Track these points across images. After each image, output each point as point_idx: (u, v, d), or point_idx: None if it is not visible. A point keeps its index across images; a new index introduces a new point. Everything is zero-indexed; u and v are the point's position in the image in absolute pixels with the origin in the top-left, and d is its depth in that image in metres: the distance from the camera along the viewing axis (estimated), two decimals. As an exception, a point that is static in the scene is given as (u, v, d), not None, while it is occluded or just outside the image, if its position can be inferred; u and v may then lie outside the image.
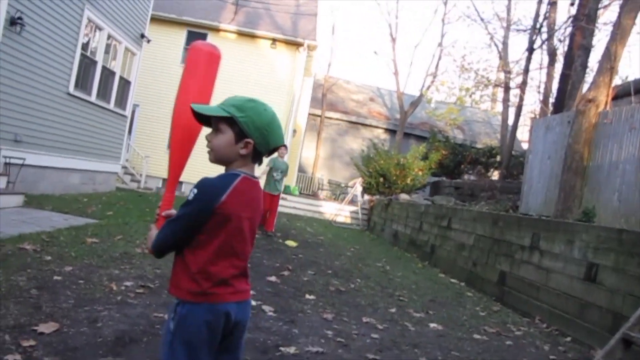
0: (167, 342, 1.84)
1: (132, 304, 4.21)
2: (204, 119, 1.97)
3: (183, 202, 1.84)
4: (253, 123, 1.88)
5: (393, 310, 5.68)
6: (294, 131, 23.24)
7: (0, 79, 8.49)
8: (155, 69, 19.47)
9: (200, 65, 2.41)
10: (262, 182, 9.92)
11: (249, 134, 1.88)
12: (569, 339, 5.41)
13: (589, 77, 11.78)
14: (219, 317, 1.83)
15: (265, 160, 7.89)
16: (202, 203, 1.81)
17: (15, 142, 9.18)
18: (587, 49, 10.96)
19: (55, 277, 4.52)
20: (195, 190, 1.81)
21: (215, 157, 1.94)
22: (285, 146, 10.47)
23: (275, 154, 8.81)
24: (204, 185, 1.83)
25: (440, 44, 28.76)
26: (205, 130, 2.03)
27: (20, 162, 9.08)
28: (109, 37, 12.48)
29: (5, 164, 8.85)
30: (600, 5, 12.42)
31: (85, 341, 3.27)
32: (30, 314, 3.53)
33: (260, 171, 9.70)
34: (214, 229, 1.82)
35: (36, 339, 3.13)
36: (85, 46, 11.34)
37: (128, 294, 4.46)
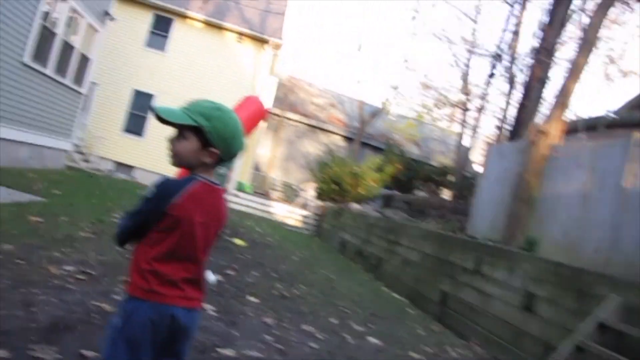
0: (109, 338, 1.84)
1: (70, 289, 4.10)
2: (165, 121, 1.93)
3: (142, 197, 1.84)
4: (218, 133, 1.86)
5: (334, 320, 5.70)
6: (252, 128, 23.12)
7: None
8: (118, 50, 19.06)
9: (252, 109, 2.48)
10: None
11: (215, 143, 1.86)
12: (496, 363, 5.56)
13: (545, 108, 12.18)
14: (164, 318, 1.82)
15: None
16: (155, 202, 1.82)
17: (-38, 108, 8.81)
18: (543, 82, 11.35)
19: (-7, 255, 4.36)
20: (152, 188, 1.83)
21: (178, 162, 1.92)
22: None
23: None
24: (160, 184, 1.84)
25: (405, 60, 29.17)
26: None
27: (-34, 129, 8.72)
28: (72, 10, 12.12)
29: (-51, 130, 8.48)
30: (558, 40, 12.87)
31: (19, 325, 3.16)
32: (-38, 292, 3.40)
33: None
34: (165, 230, 1.82)
35: (-35, 320, 3.01)
36: (45, 16, 10.97)
37: (67, 279, 4.34)
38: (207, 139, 1.85)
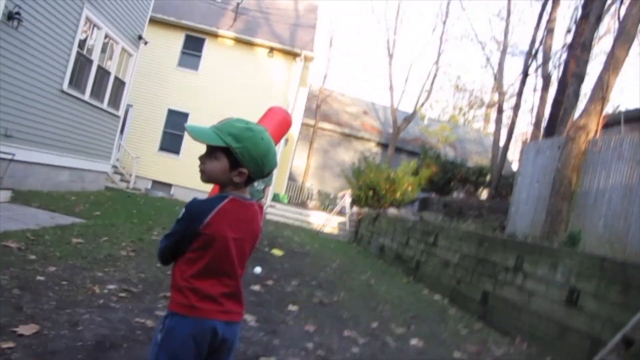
0: (153, 354, 1.88)
1: (114, 308, 4.20)
2: None
3: (176, 218, 1.88)
4: (249, 154, 1.87)
5: (375, 324, 5.70)
6: (286, 140, 23.26)
7: (-6, 74, 8.46)
8: (152, 71, 19.44)
9: (276, 120, 2.58)
10: None
11: (245, 164, 1.88)
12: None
13: (582, 104, 11.91)
14: (205, 332, 1.86)
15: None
16: (187, 223, 1.86)
17: (5, 137, 9.12)
18: (580, 77, 11.08)
19: (39, 277, 4.50)
20: (184, 210, 1.87)
21: (208, 180, 1.95)
22: None
23: None
24: (191, 205, 1.88)
25: (436, 62, 28.99)
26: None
27: (10, 157, 9.03)
28: (106, 36, 12.47)
29: (-6, 158, 8.81)
30: (595, 35, 12.59)
31: (65, 345, 3.26)
32: (11, 315, 3.51)
33: None
34: (201, 248, 1.86)
35: (15, 341, 3.11)
36: (82, 44, 11.32)
37: (110, 297, 4.45)
38: (237, 160, 1.87)
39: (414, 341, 5.30)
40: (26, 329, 3.31)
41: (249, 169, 1.89)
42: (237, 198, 1.91)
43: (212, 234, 1.84)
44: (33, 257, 5.13)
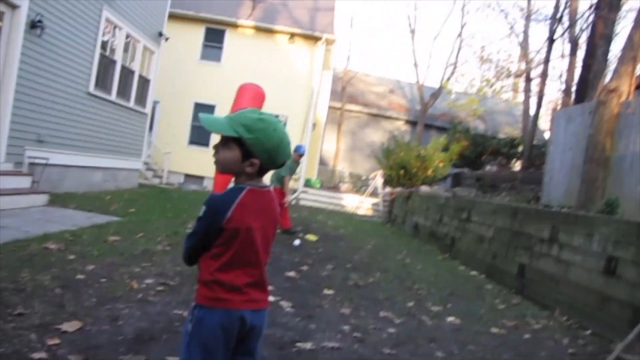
0: (185, 344, 1.93)
1: (152, 301, 4.31)
2: None
3: (197, 217, 1.91)
4: (261, 145, 1.88)
5: (411, 304, 5.70)
6: (314, 125, 23.26)
7: (22, 82, 8.66)
8: (175, 66, 19.59)
9: (249, 95, 2.54)
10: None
11: (256, 155, 1.89)
12: (588, 332, 5.38)
13: (612, 67, 11.61)
14: (234, 321, 1.89)
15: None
16: (209, 220, 1.88)
17: (38, 142, 9.36)
18: (609, 38, 10.80)
19: (78, 276, 4.63)
20: (204, 208, 1.88)
21: (222, 169, 1.98)
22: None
23: None
24: (210, 202, 1.90)
25: (459, 35, 28.55)
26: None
27: (44, 161, 9.27)
28: (128, 36, 12.63)
29: (30, 164, 9.04)
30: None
31: (107, 339, 3.36)
32: (55, 313, 3.63)
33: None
34: (226, 242, 1.88)
35: (60, 337, 3.23)
36: (104, 46, 11.49)
37: (148, 291, 4.56)
38: (249, 150, 1.89)
39: (450, 318, 5.29)
40: (69, 326, 3.42)
41: (261, 160, 1.90)
42: (253, 188, 1.93)
43: (236, 227, 1.86)
44: (72, 256, 5.29)
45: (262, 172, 1.96)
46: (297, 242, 9.07)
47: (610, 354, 4.24)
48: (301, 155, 10.27)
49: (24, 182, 8.62)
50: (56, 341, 3.16)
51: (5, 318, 3.39)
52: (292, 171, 10.04)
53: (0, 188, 7.79)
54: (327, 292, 5.72)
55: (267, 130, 1.89)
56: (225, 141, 1.92)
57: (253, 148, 1.88)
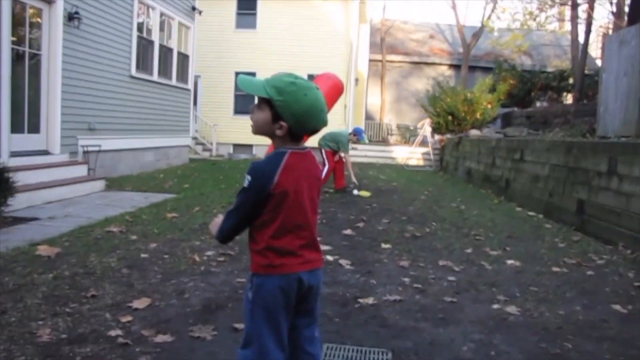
0: (247, 311, 1.98)
1: (215, 272, 4.45)
2: None
3: (239, 190, 1.92)
4: (289, 108, 1.87)
5: (469, 250, 5.68)
6: (357, 80, 23.02)
7: (67, 74, 8.90)
8: (212, 38, 19.65)
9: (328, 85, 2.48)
10: None
11: (284, 117, 1.88)
12: (655, 263, 5.26)
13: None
14: (292, 283, 1.93)
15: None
16: (257, 189, 1.88)
17: (89, 131, 9.66)
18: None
19: (142, 255, 4.83)
20: (249, 177, 1.88)
21: (255, 131, 2.01)
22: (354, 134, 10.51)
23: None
24: (255, 170, 1.89)
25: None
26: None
27: (97, 148, 9.57)
28: (162, 15, 12.72)
29: (84, 152, 9.36)
30: None
31: (176, 312, 3.51)
32: (124, 292, 3.81)
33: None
34: (274, 208, 1.89)
35: (132, 315, 3.39)
36: (140, 28, 11.63)
37: (210, 263, 4.71)
38: (278, 113, 1.89)
39: (510, 261, 5.25)
40: (140, 303, 3.59)
41: (289, 123, 1.89)
42: (295, 151, 1.94)
43: (284, 190, 1.87)
44: (134, 237, 5.50)
45: (295, 137, 1.95)
46: (355, 192, 9.97)
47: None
48: (357, 137, 10.55)
49: (81, 171, 8.94)
50: (129, 318, 3.32)
51: (80, 301, 3.58)
52: (346, 148, 10.07)
53: (60, 179, 8.13)
54: (384, 246, 5.76)
55: (297, 94, 1.87)
56: (259, 103, 1.95)
57: (281, 110, 1.88)
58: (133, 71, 11.25)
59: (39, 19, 8.43)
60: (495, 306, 3.89)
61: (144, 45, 11.88)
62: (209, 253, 5.02)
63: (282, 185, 1.87)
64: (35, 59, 8.43)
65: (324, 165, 9.53)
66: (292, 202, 1.90)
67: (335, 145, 9.84)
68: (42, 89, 8.55)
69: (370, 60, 27.78)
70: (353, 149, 19.92)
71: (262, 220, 1.93)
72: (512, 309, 3.83)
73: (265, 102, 1.91)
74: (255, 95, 1.94)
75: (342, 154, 10.03)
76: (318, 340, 2.15)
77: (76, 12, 8.91)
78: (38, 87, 8.49)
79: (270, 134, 1.96)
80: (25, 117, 8.21)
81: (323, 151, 9.61)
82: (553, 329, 3.49)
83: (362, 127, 23.76)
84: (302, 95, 1.88)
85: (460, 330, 3.42)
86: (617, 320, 3.72)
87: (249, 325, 1.99)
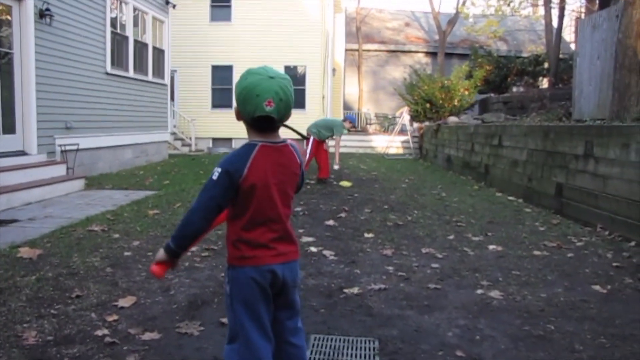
0: (228, 305, 2.02)
1: (199, 267, 4.45)
2: None
3: (206, 182, 1.92)
4: (235, 91, 1.95)
5: (451, 237, 5.75)
6: (334, 70, 23.02)
7: (41, 72, 8.77)
8: (187, 32, 19.48)
9: None
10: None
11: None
12: (633, 243, 5.36)
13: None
14: (264, 274, 1.95)
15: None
16: (225, 182, 1.89)
17: (66, 130, 9.54)
18: None
19: (126, 253, 4.80)
20: (219, 169, 1.90)
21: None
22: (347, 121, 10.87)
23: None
24: (224, 164, 1.91)
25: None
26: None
27: (75, 147, 9.45)
28: (135, 9, 12.57)
29: (62, 151, 9.25)
30: None
31: (162, 309, 3.50)
32: (109, 291, 3.79)
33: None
34: (244, 201, 1.92)
35: (118, 313, 3.38)
36: (114, 23, 11.48)
37: (194, 259, 4.70)
38: None
39: (492, 247, 5.32)
40: (125, 301, 3.58)
41: (237, 107, 1.96)
42: (266, 144, 1.95)
43: (253, 184, 1.89)
44: (117, 235, 5.47)
45: (255, 127, 1.96)
46: (336, 166, 10.71)
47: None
48: (352, 123, 11.15)
49: (59, 170, 8.83)
50: (115, 317, 3.31)
51: (65, 301, 3.56)
52: (341, 132, 10.37)
53: (39, 179, 8.02)
54: (367, 235, 5.80)
55: (241, 78, 1.94)
56: None
57: (234, 94, 1.97)
58: (108, 68, 11.12)
59: (8, 17, 8.28)
60: (479, 291, 3.95)
61: (119, 41, 11.74)
62: (193, 249, 4.99)
63: (250, 178, 1.88)
64: (7, 57, 8.29)
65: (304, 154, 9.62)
66: (262, 196, 1.92)
67: (328, 132, 10.13)
68: (16, 88, 8.41)
69: (347, 50, 27.79)
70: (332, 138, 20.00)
71: (234, 214, 1.96)
72: (495, 293, 3.89)
73: None
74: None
75: (335, 137, 10.42)
76: (301, 330, 2.19)
77: (47, 9, 8.77)
78: (12, 87, 8.35)
79: (244, 123, 2.01)
80: (0, 117, 8.08)
81: (311, 139, 9.82)
82: (535, 311, 3.56)
83: (341, 117, 23.82)
84: (243, 78, 1.94)
85: (445, 316, 3.46)
86: (597, 300, 3.80)
87: (231, 320, 2.02)
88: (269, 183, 1.93)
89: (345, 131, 10.35)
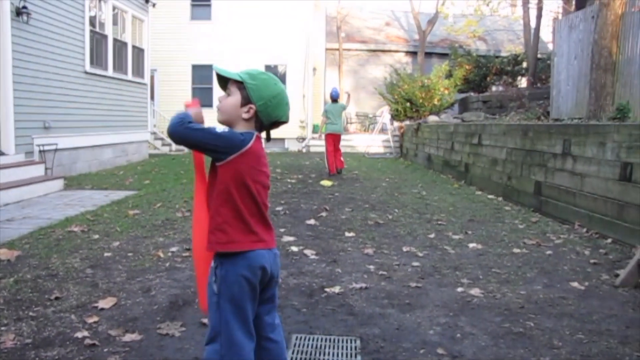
0: (213, 304, 2.01)
1: (180, 268, 4.42)
2: (222, 84, 2.09)
3: (217, 132, 1.93)
4: (259, 91, 2.00)
5: (432, 235, 5.79)
6: (314, 69, 22.99)
7: (19, 71, 8.65)
8: (167, 31, 19.36)
9: None
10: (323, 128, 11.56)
11: (253, 100, 1.99)
12: (609, 240, 5.46)
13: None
14: (255, 271, 1.97)
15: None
16: (234, 141, 1.94)
17: (45, 129, 9.42)
18: None
19: (106, 254, 4.76)
20: (227, 131, 2.00)
21: (221, 117, 2.08)
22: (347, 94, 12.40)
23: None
24: (233, 133, 1.99)
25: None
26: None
27: (53, 147, 9.34)
28: (114, 8, 12.45)
29: (40, 151, 9.13)
30: None
31: (143, 310, 3.48)
32: (89, 293, 3.76)
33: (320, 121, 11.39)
34: (238, 182, 1.95)
35: (98, 315, 3.35)
36: (92, 22, 11.36)
37: (175, 259, 4.67)
38: (248, 96, 2.00)
39: (472, 245, 5.38)
40: (105, 303, 3.54)
41: (257, 107, 2.00)
42: (259, 135, 2.05)
43: (253, 158, 1.97)
44: (97, 236, 5.42)
45: (259, 125, 2.06)
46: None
47: (632, 259, 4.29)
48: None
49: (38, 171, 8.72)
50: (95, 319, 3.28)
51: (44, 303, 3.52)
52: (338, 111, 11.61)
53: (17, 180, 7.92)
54: (348, 234, 5.81)
55: (268, 81, 2.04)
56: (229, 89, 2.06)
57: (252, 93, 2.00)
58: (87, 67, 11.00)
59: (-16, 15, 8.15)
60: (460, 289, 3.98)
61: (98, 39, 11.62)
62: (173, 249, 4.98)
63: (250, 154, 1.95)
64: (-16, 56, 8.16)
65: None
66: (255, 178, 1.98)
67: (340, 115, 11.48)
68: (-7, 87, 8.29)
69: (327, 49, 27.76)
70: (313, 138, 20.01)
71: (223, 199, 1.96)
72: (475, 291, 3.93)
73: (236, 87, 2.02)
74: (229, 82, 2.06)
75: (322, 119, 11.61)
76: (280, 326, 2.21)
77: (24, 7, 8.64)
78: (-12, 86, 8.23)
79: (235, 119, 2.03)
80: (-24, 117, 7.96)
81: (323, 137, 10.90)
82: (515, 308, 3.60)
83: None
84: (272, 83, 2.05)
85: (426, 314, 3.49)
86: (575, 296, 3.86)
87: (214, 319, 2.01)
88: (261, 168, 2.01)
89: (324, 130, 11.23)
